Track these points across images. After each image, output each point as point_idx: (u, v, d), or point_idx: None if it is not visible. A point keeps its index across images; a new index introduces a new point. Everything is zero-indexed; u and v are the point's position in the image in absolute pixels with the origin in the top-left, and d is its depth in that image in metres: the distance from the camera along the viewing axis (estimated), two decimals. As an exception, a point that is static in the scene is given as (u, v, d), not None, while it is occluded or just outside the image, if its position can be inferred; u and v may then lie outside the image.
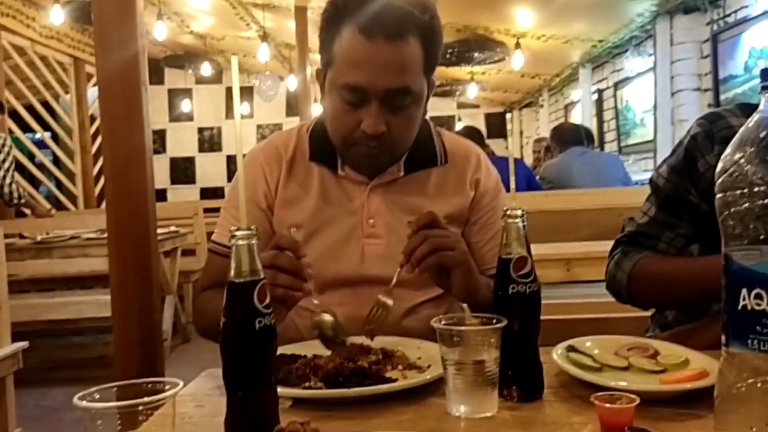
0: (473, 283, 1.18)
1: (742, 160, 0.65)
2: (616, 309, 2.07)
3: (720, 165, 0.68)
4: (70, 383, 3.82)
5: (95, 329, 4.68)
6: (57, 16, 6.22)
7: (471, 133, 4.78)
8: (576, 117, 8.91)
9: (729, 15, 5.22)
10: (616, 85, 7.54)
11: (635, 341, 1.10)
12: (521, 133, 12.00)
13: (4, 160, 4.50)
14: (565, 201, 3.36)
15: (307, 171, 1.36)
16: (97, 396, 0.65)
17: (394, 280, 1.17)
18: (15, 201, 4.74)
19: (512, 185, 0.97)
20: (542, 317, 0.97)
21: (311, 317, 1.29)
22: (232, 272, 0.77)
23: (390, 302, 1.16)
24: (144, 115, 1.65)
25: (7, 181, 4.53)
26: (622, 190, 4.07)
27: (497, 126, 11.68)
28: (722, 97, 5.24)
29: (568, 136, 4.79)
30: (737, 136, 0.67)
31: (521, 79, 9.61)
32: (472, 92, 10.06)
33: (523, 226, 0.94)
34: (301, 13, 6.20)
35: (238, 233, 0.78)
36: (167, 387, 0.67)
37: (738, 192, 0.64)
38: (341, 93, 1.22)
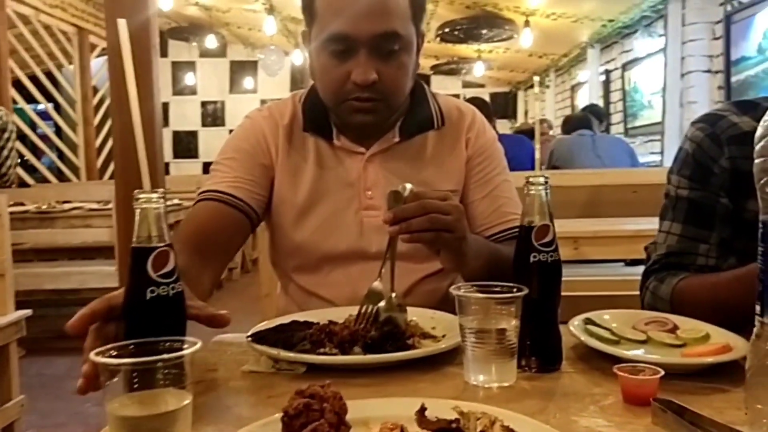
0: (464, 261, 1.10)
1: (785, 125, 0.62)
2: (625, 287, 2.05)
3: (759, 131, 0.65)
4: (73, 353, 3.85)
5: (97, 300, 4.67)
6: (61, -15, 6.15)
7: (478, 104, 4.69)
8: (582, 98, 8.85)
9: (744, -5, 5.15)
10: (624, 66, 7.47)
11: (653, 315, 1.08)
12: (525, 113, 11.93)
13: (8, 139, 4.40)
14: (577, 179, 3.33)
15: (302, 141, 1.32)
16: (114, 353, 0.63)
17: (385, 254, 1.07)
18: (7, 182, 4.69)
19: (537, 155, 0.95)
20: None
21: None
22: (134, 235, 0.76)
23: (379, 288, 1.07)
24: (154, 80, 1.62)
25: (8, 162, 4.47)
26: (630, 170, 4.05)
27: (502, 106, 11.62)
28: (733, 79, 5.19)
29: (575, 125, 4.76)
30: (778, 100, 0.65)
31: (528, 59, 9.52)
32: (478, 71, 9.98)
33: (546, 194, 0.92)
34: (308, -14, 6.11)
35: (142, 196, 0.76)
36: (186, 346, 0.65)
37: (780, 156, 0.61)
38: (327, 47, 1.18)
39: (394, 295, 1.07)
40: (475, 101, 5.05)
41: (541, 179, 0.92)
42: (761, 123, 0.65)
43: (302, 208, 1.29)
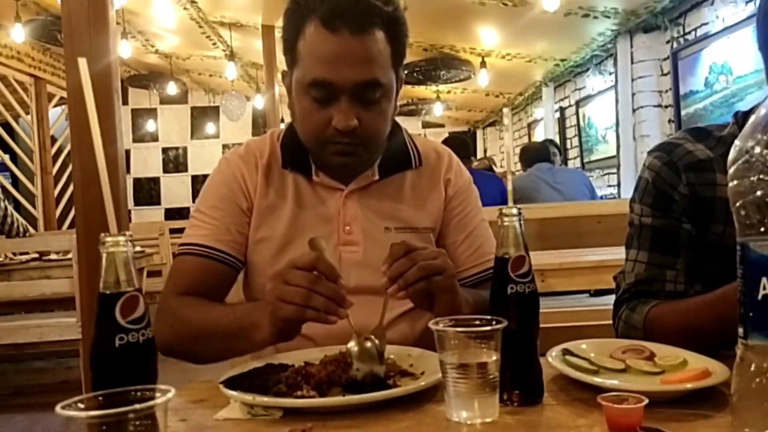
0: (457, 303, 1.12)
1: (756, 148, 0.63)
2: (593, 318, 2.06)
3: (732, 154, 0.66)
4: (32, 409, 3.68)
5: (57, 353, 4.52)
6: (18, 35, 6.09)
7: (458, 142, 4.84)
8: (539, 135, 9.04)
9: (689, 33, 5.36)
10: (578, 103, 7.68)
11: (630, 344, 1.08)
12: (485, 151, 12.14)
13: None
14: (541, 212, 3.38)
15: (281, 178, 1.32)
16: (82, 405, 0.60)
17: (383, 314, 1.08)
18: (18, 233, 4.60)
19: (509, 186, 0.95)
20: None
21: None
22: (101, 281, 0.74)
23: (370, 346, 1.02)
24: (117, 124, 1.60)
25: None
26: (593, 203, 4.13)
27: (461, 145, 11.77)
28: (683, 112, 5.36)
29: (534, 156, 4.85)
30: (748, 125, 0.66)
31: (485, 98, 9.72)
32: (437, 111, 10.13)
33: (520, 225, 0.92)
34: (268, 32, 6.17)
35: (109, 239, 0.74)
36: (158, 394, 0.62)
37: (753, 179, 0.62)
38: (309, 91, 1.19)
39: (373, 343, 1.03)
40: (455, 140, 5.18)
41: (514, 210, 0.92)
42: (733, 147, 0.66)
43: (281, 244, 1.28)
